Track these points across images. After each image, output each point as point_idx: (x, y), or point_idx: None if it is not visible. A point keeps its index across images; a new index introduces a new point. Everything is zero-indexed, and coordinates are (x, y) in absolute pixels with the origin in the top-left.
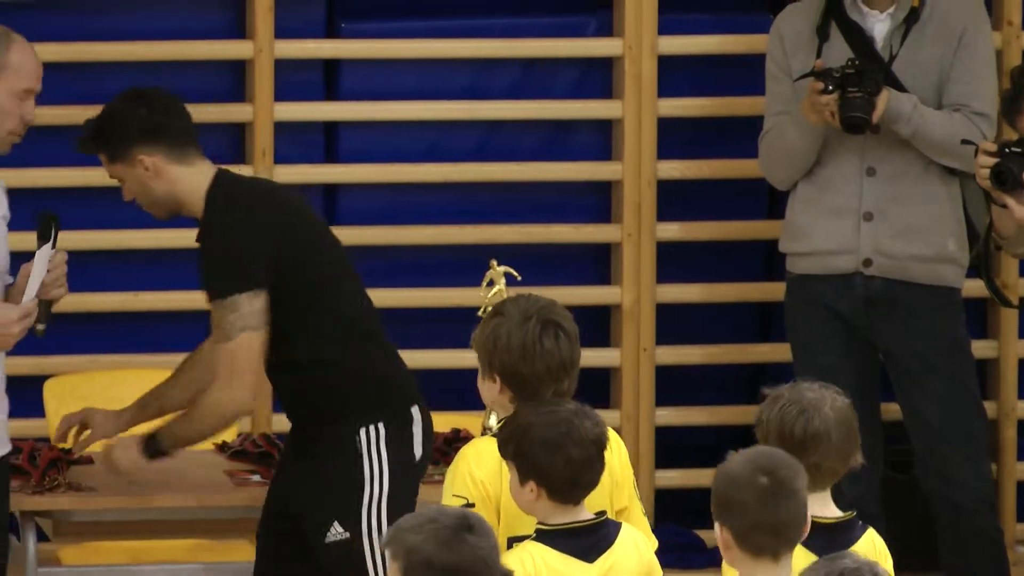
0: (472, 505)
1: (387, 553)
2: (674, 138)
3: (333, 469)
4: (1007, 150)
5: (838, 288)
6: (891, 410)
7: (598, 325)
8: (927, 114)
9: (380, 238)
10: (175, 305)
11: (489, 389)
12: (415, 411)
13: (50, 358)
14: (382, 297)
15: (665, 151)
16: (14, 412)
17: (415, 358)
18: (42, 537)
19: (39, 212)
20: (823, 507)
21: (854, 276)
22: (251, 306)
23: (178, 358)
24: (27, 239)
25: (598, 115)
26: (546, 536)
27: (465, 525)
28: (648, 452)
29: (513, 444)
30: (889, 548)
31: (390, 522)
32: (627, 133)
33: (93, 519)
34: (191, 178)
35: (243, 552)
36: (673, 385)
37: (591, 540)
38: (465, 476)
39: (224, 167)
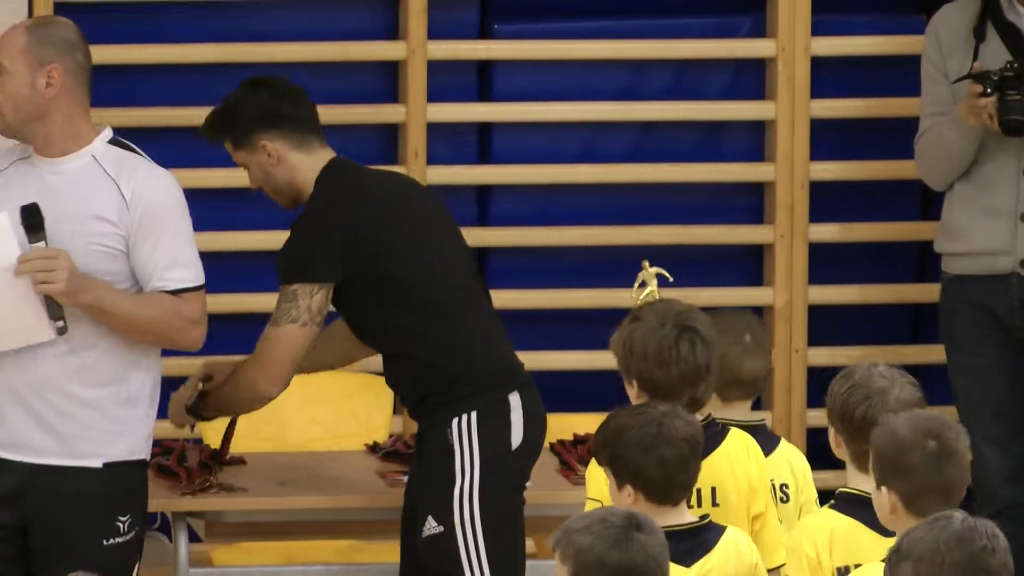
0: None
1: (556, 555)
2: (827, 139)
3: (428, 462)
4: None
5: (994, 289)
6: None
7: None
8: None
9: (532, 239)
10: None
11: (630, 392)
12: (514, 398)
13: (203, 358)
14: (534, 298)
15: (818, 152)
16: (166, 412)
17: (567, 359)
18: (194, 538)
19: (23, 206)
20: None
21: (1010, 276)
22: (305, 300)
23: None
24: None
25: (751, 116)
26: None
27: (634, 524)
28: None
29: (607, 449)
30: None
31: (484, 514)
32: (780, 134)
33: (245, 520)
34: (310, 166)
35: (394, 554)
36: (825, 387)
37: (691, 544)
38: (600, 480)
39: (342, 157)
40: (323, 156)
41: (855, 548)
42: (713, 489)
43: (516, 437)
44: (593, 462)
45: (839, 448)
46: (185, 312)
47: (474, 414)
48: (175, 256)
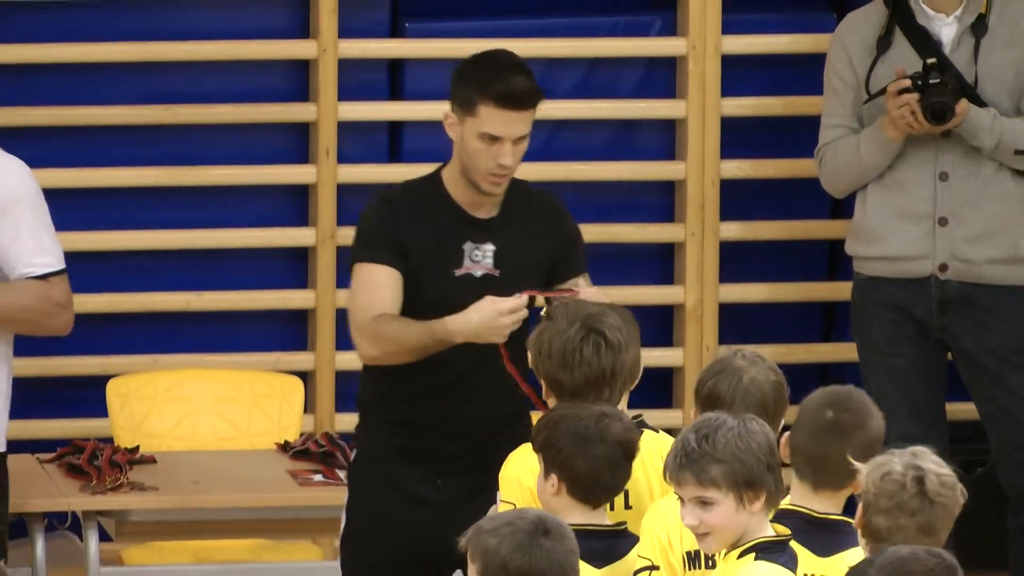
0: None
1: (468, 551)
2: (738, 138)
3: None
4: None
5: (912, 291)
6: (954, 411)
7: (662, 324)
8: (1008, 124)
9: None
10: (237, 305)
11: (544, 392)
12: None
13: (114, 358)
14: None
15: (729, 151)
16: (77, 412)
17: None
18: (105, 537)
19: None
20: None
21: (928, 280)
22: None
23: (239, 358)
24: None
25: (662, 115)
26: None
27: (542, 529)
28: None
29: (543, 434)
30: (957, 548)
31: None
32: (691, 133)
33: (155, 519)
34: None
35: (305, 552)
36: None
37: (604, 546)
38: (513, 482)
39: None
40: None
41: None
42: (626, 492)
43: None
44: (506, 463)
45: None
46: (54, 296)
47: None
48: (39, 241)
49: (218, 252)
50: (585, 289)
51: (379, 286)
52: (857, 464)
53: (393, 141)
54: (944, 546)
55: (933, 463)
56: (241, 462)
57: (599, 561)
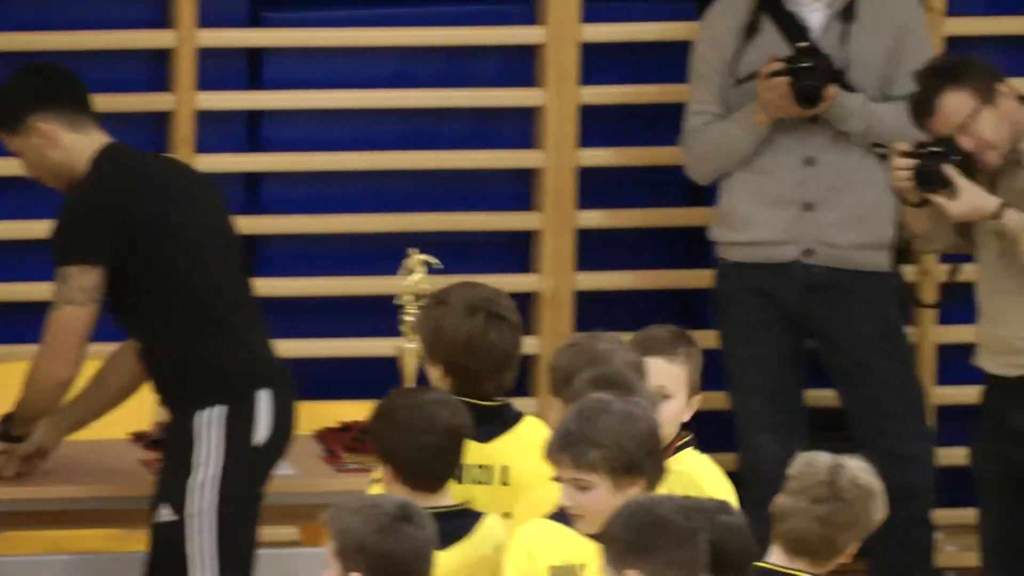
0: None
1: (327, 531)
2: (597, 126)
3: (171, 451)
4: (924, 150)
5: (777, 276)
6: (814, 398)
7: (520, 313)
8: (876, 109)
9: (302, 227)
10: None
11: (432, 374)
12: (263, 395)
13: None
14: (302, 286)
15: (587, 139)
16: None
17: (335, 347)
18: None
19: None
20: None
21: (794, 264)
22: (79, 280)
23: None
24: None
25: (521, 103)
26: None
27: (405, 515)
28: None
29: (375, 426)
30: None
31: (218, 506)
32: (549, 121)
33: (7, 509)
34: (83, 146)
35: None
36: None
37: (446, 527)
38: None
39: (117, 141)
40: (97, 138)
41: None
42: (504, 468)
43: (261, 434)
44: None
45: None
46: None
47: (220, 408)
48: None
49: (9, 243)
50: None
51: None
52: None
53: (252, 130)
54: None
55: (859, 467)
56: (95, 452)
57: (443, 542)
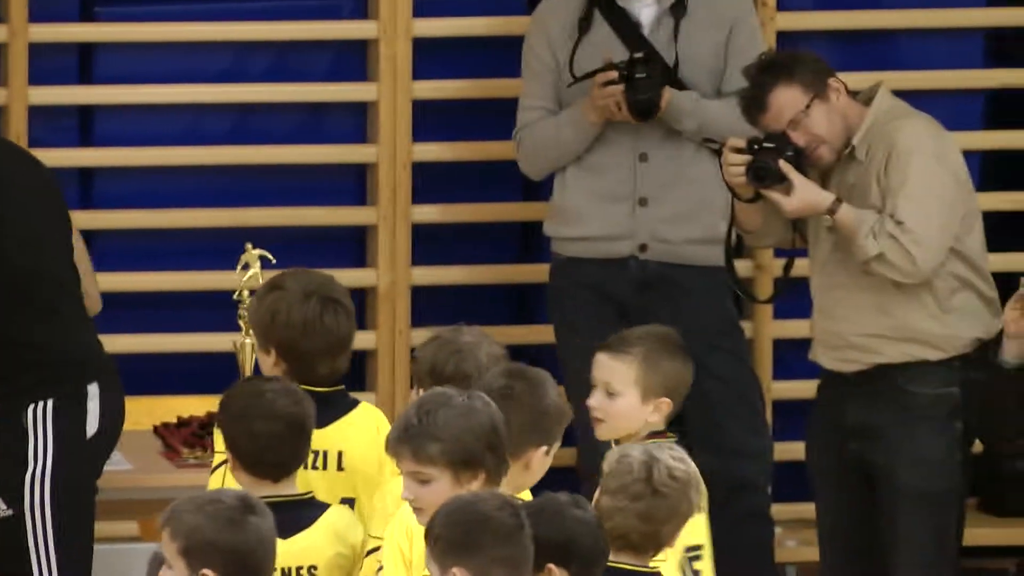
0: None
1: (164, 533)
2: (430, 120)
3: (2, 447)
4: (757, 147)
5: (611, 271)
6: None
7: (355, 307)
8: (709, 106)
9: (136, 222)
10: None
11: (264, 361)
12: (93, 388)
13: None
14: (137, 281)
15: (421, 134)
16: None
17: (171, 342)
18: None
19: None
20: None
21: (628, 260)
22: None
23: None
24: None
25: (354, 98)
26: None
27: (248, 506)
28: None
29: (219, 416)
30: None
31: (54, 499)
32: (382, 115)
33: None
34: None
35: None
36: None
37: (289, 517)
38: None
39: None
40: None
41: None
42: (340, 453)
43: (92, 427)
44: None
45: None
46: None
47: (51, 401)
48: None
49: None
50: None
51: None
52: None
53: (84, 125)
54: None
55: (672, 457)
56: None
57: (285, 532)
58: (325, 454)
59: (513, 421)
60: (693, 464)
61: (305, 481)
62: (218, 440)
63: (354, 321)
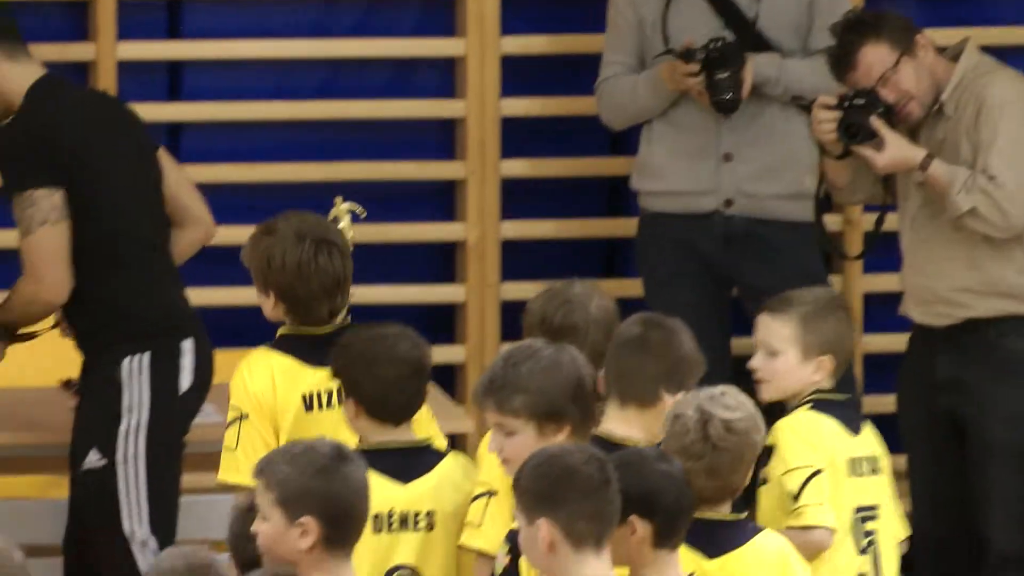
0: (247, 416)
1: (259, 484)
2: (518, 75)
3: (96, 397)
4: (847, 103)
5: (696, 226)
6: (739, 346)
7: (444, 262)
8: (793, 69)
9: (224, 176)
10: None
11: (264, 304)
12: (188, 343)
13: None
14: (225, 235)
15: (509, 88)
16: None
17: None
18: None
19: None
20: None
21: (713, 215)
22: (46, 201)
23: None
24: None
25: (442, 53)
26: (364, 455)
27: (341, 455)
28: None
29: (337, 361)
30: None
31: (148, 452)
32: (470, 71)
33: None
34: (19, 76)
35: None
36: (518, 321)
37: (407, 462)
38: (240, 388)
39: (52, 74)
40: (34, 70)
41: None
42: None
43: (185, 382)
44: (235, 373)
45: None
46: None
47: (147, 356)
48: None
49: None
50: None
51: None
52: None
53: (173, 80)
54: (740, 486)
55: (724, 408)
56: (26, 399)
57: (403, 477)
58: (330, 392)
59: (648, 369)
60: (751, 406)
61: (315, 422)
62: (235, 394)
63: (350, 260)
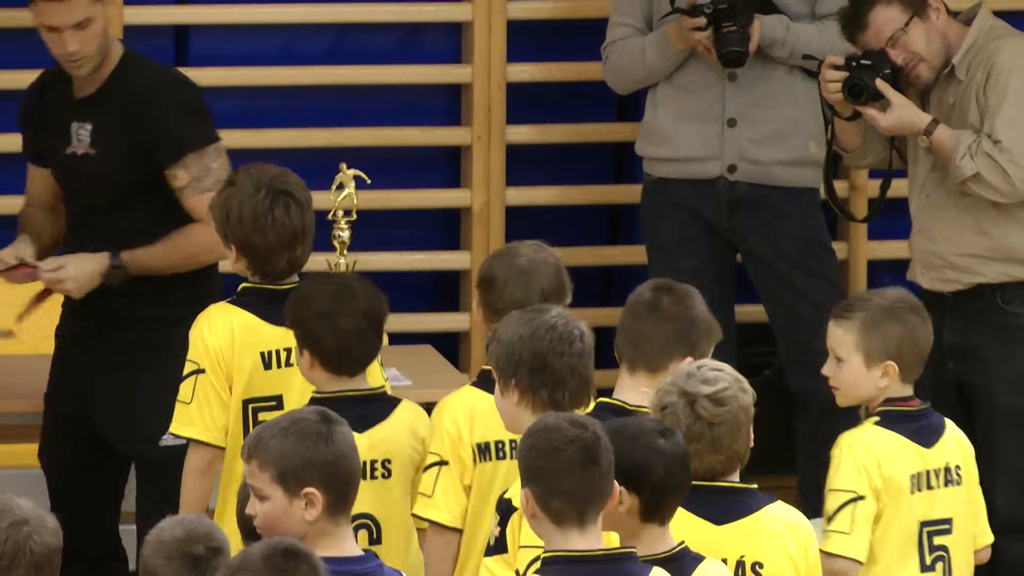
0: (203, 370)
1: (252, 466)
2: (525, 41)
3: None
4: (855, 63)
5: (701, 192)
6: (742, 313)
7: (448, 227)
8: (800, 32)
9: (231, 142)
10: None
11: (229, 258)
12: None
13: None
14: None
15: (516, 54)
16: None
17: None
18: None
19: None
20: None
21: (718, 180)
22: (223, 156)
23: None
24: None
25: (448, 18)
26: (319, 404)
27: (328, 418)
28: None
29: (291, 313)
30: None
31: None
32: (477, 36)
33: None
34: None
35: None
36: None
37: (363, 411)
38: (198, 342)
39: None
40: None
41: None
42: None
43: None
44: (192, 328)
45: None
46: None
47: None
48: None
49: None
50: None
51: (30, 182)
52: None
53: (179, 45)
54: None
55: (704, 383)
56: (24, 366)
57: (361, 426)
58: (290, 351)
59: (659, 333)
60: (729, 370)
61: (280, 379)
62: (193, 347)
63: (310, 212)
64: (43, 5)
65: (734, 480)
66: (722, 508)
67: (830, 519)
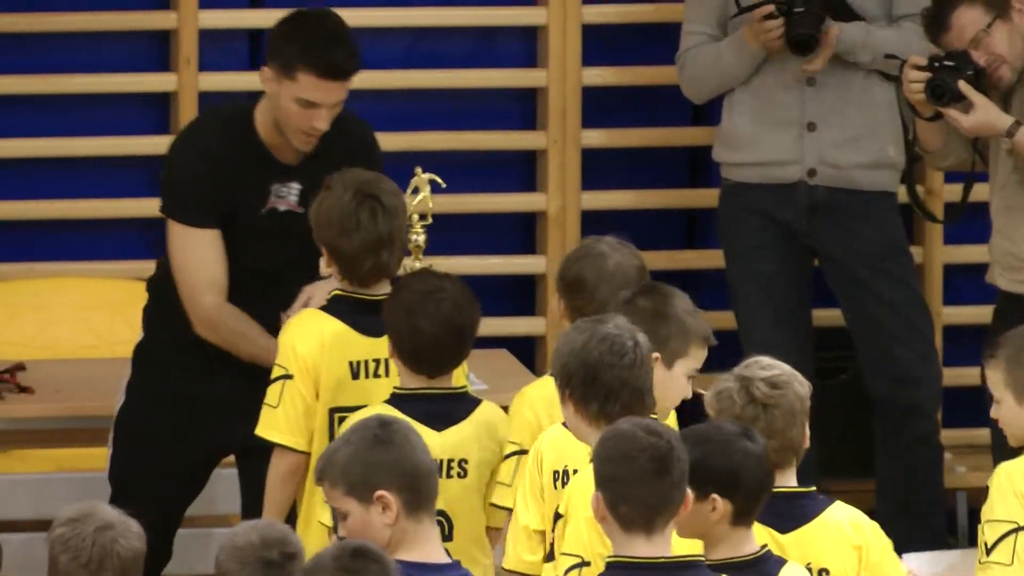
0: (291, 376)
1: (325, 487)
2: (599, 45)
3: None
4: (937, 64)
5: (779, 196)
6: (820, 317)
7: (524, 231)
8: (880, 36)
9: None
10: (114, 213)
11: (324, 260)
12: None
13: None
14: None
15: (590, 58)
16: None
17: None
18: None
19: None
20: None
21: (797, 185)
22: None
23: (116, 266)
24: None
25: (524, 22)
26: (396, 399)
27: (384, 422)
28: None
29: (389, 297)
30: (819, 455)
31: None
32: (552, 40)
33: (16, 427)
34: None
35: None
36: None
37: (441, 409)
38: (288, 348)
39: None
40: None
41: None
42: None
43: None
44: (281, 332)
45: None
46: None
47: None
48: None
49: (97, 160)
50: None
51: (201, 248)
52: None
53: (253, 49)
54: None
55: (760, 368)
56: (103, 370)
57: (438, 424)
58: (380, 362)
59: None
60: (785, 366)
61: (365, 390)
62: (282, 352)
63: (398, 218)
64: (318, 82)
65: (791, 483)
66: (784, 515)
67: (989, 550)
